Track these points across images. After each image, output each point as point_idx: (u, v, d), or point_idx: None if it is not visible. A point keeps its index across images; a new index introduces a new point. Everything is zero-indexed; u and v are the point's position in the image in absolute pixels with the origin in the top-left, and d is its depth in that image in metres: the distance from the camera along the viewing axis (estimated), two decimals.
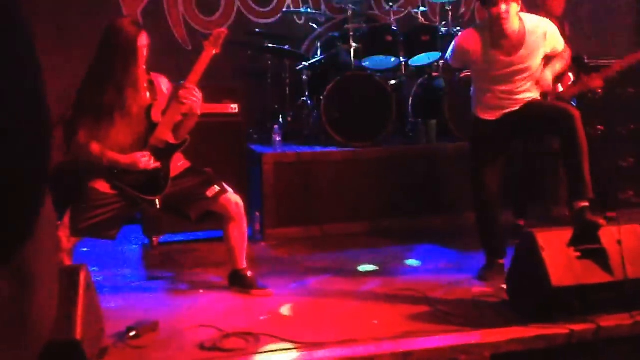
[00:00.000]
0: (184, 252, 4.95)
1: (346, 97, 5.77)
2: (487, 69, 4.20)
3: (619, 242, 3.58)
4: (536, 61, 4.19)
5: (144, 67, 3.78)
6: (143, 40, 3.73)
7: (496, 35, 4.14)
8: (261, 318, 3.68)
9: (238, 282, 4.05)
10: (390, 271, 4.54)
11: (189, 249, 5.03)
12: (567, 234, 3.63)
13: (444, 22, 6.48)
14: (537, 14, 4.38)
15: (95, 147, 3.67)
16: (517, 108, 4.22)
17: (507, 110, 4.23)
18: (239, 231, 3.97)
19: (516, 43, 4.14)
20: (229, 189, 3.94)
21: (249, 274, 4.05)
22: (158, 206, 3.83)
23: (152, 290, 4.20)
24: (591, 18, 7.39)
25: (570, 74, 4.96)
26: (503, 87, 4.20)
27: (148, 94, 3.81)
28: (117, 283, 4.28)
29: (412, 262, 4.78)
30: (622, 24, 7.74)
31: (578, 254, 3.57)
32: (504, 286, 3.88)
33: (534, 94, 4.27)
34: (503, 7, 4.00)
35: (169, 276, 4.46)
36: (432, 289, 4.10)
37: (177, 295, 4.11)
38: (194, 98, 3.74)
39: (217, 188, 3.88)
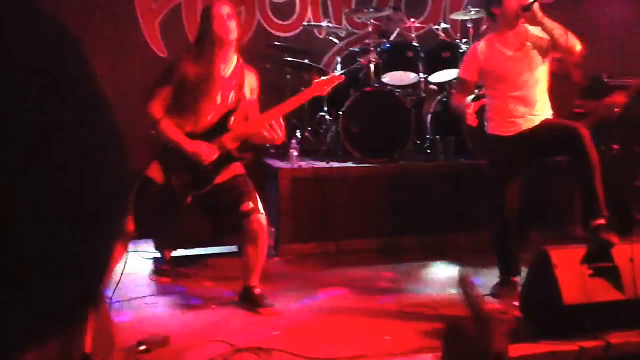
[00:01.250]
0: (196, 267, 4.97)
1: (365, 113, 5.79)
2: (495, 67, 4.23)
3: (632, 261, 3.57)
4: (542, 59, 4.21)
5: (234, 44, 3.83)
6: (221, 9, 3.77)
7: (502, 31, 4.24)
8: (274, 334, 3.68)
9: (246, 299, 4.06)
10: (404, 288, 4.55)
11: (201, 264, 5.04)
12: (580, 251, 3.63)
13: (465, 40, 6.48)
14: None
15: (166, 124, 3.71)
16: (531, 126, 4.22)
17: (523, 128, 4.22)
18: (259, 252, 3.97)
19: (521, 37, 4.21)
20: (261, 208, 3.95)
21: (257, 292, 4.04)
22: (187, 201, 3.85)
23: (164, 304, 4.22)
24: (610, 36, 7.36)
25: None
26: (515, 94, 4.21)
27: (232, 95, 3.85)
28: (129, 297, 4.29)
29: (426, 279, 4.78)
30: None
31: (591, 272, 3.55)
32: (517, 303, 3.86)
33: (547, 113, 4.27)
34: None
35: (181, 291, 4.48)
36: (445, 305, 4.08)
37: (189, 310, 4.12)
38: (279, 134, 3.79)
39: (251, 205, 3.89)
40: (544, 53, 4.21)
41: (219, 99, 3.81)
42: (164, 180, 3.77)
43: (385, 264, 5.10)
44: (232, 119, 3.86)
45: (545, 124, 4.23)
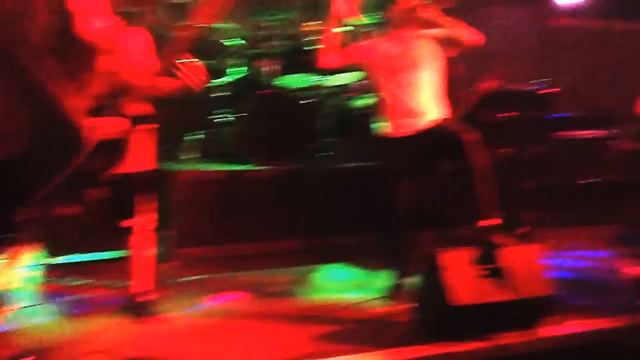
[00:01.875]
0: (80, 274, 4.76)
1: (265, 115, 5.78)
2: (384, 64, 4.28)
3: (517, 262, 3.69)
4: (432, 59, 4.29)
5: None
6: None
7: (391, 31, 4.31)
8: (163, 342, 3.59)
9: (131, 306, 3.95)
10: (298, 291, 4.55)
11: (85, 271, 4.82)
12: (470, 253, 3.71)
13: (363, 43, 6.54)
14: None
15: None
16: (421, 128, 4.28)
17: (413, 129, 4.28)
18: (144, 256, 3.90)
19: (410, 37, 4.29)
20: (150, 215, 3.86)
21: (142, 298, 3.94)
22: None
23: (47, 313, 4.05)
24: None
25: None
26: (405, 94, 4.27)
27: None
28: (11, 305, 4.04)
29: (321, 282, 4.79)
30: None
31: (479, 273, 3.65)
32: (410, 305, 3.93)
33: (438, 113, 4.35)
34: None
35: (64, 299, 4.30)
36: (339, 308, 4.12)
37: (73, 319, 3.95)
38: None
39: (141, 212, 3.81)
40: (433, 53, 4.29)
41: None
42: None
43: (282, 267, 5.08)
44: None
45: (432, 128, 4.30)
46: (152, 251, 3.93)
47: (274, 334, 3.73)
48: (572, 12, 8.19)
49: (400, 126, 4.31)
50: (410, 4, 4.16)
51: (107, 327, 3.81)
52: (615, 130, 6.96)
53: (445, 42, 4.26)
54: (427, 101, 4.31)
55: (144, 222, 3.84)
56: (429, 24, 4.25)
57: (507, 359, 3.57)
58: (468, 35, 4.21)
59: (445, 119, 4.40)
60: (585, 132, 6.82)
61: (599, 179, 6.53)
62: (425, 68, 4.30)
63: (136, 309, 3.94)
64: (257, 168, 5.67)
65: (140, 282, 3.93)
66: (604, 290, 4.57)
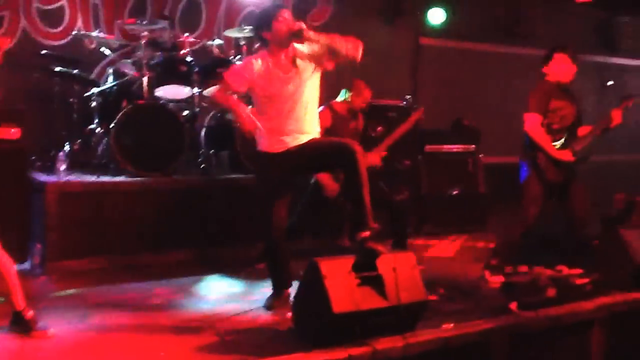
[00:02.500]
0: None
1: (138, 126, 5.68)
2: (268, 88, 4.25)
3: (394, 269, 3.82)
4: (312, 77, 4.34)
5: None
6: None
7: (274, 52, 4.25)
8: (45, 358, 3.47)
9: (17, 323, 3.79)
10: (178, 303, 4.49)
11: None
12: (348, 262, 3.80)
13: (238, 56, 6.58)
14: None
15: None
16: (299, 144, 4.31)
17: (290, 145, 4.30)
18: (6, 273, 3.73)
19: (292, 57, 4.27)
20: None
21: (28, 314, 3.79)
22: None
23: None
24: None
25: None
26: (286, 113, 4.28)
27: None
28: None
29: (200, 294, 4.76)
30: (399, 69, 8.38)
31: (358, 280, 3.75)
32: (290, 314, 3.97)
33: (316, 131, 4.41)
34: (287, 14, 4.19)
35: None
36: (220, 319, 4.10)
37: None
38: None
39: None
40: (314, 70, 4.34)
41: None
42: None
43: (159, 279, 5.00)
44: None
45: (313, 142, 4.34)
46: (11, 265, 3.76)
47: (155, 346, 3.66)
48: (441, 32, 8.60)
49: (279, 142, 4.32)
50: (293, 28, 4.19)
51: None
52: (474, 145, 7.37)
53: (324, 56, 4.30)
54: (304, 122, 4.35)
55: None
56: (313, 44, 4.29)
57: None
58: (348, 46, 4.27)
59: (321, 135, 4.49)
60: (451, 146, 7.18)
61: (464, 191, 6.88)
62: (304, 93, 4.31)
63: (18, 326, 3.78)
64: (130, 179, 5.55)
65: (16, 298, 3.77)
66: (474, 295, 4.81)
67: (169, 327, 3.98)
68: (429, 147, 7.10)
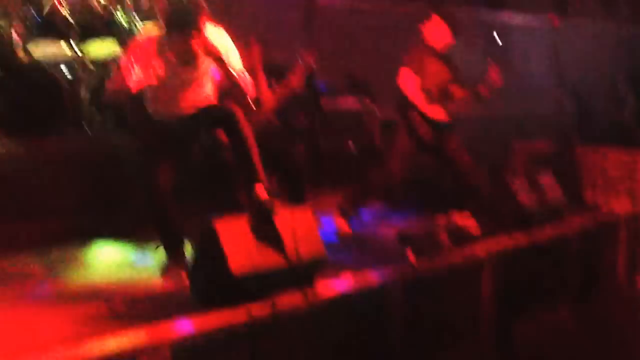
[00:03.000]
0: None
1: (10, 89, 5.25)
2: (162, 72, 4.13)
3: (292, 227, 3.72)
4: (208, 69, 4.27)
5: None
6: None
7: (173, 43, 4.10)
8: None
9: None
10: (62, 274, 4.22)
11: None
12: (245, 220, 3.68)
13: (119, 7, 6.19)
14: None
15: None
16: (188, 110, 4.26)
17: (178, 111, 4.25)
18: None
19: (193, 52, 4.14)
20: None
21: None
22: None
23: None
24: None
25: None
26: (175, 89, 4.21)
27: None
28: None
29: (84, 263, 4.51)
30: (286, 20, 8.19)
31: (256, 239, 3.62)
32: (186, 277, 3.81)
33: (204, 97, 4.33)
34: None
35: None
36: (109, 289, 3.88)
37: None
38: None
39: None
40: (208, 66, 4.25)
41: None
42: None
43: (38, 250, 4.63)
44: None
45: (200, 109, 4.29)
46: None
47: (35, 320, 3.42)
48: None
49: (163, 112, 4.22)
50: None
51: None
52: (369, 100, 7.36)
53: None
54: (195, 96, 4.28)
55: None
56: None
57: (286, 320, 3.59)
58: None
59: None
60: (346, 101, 7.12)
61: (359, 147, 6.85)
62: (199, 77, 4.25)
63: None
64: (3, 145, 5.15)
65: None
66: (371, 247, 4.82)
67: (55, 300, 3.73)
68: (325, 105, 7.01)
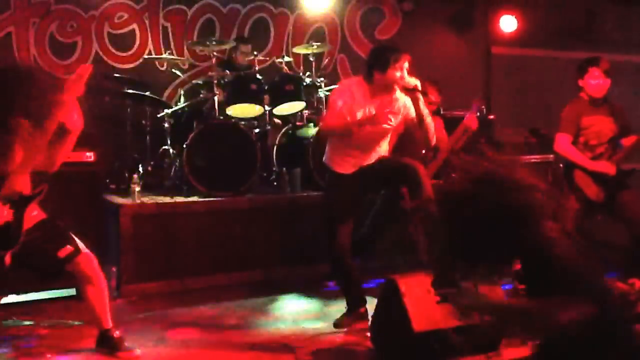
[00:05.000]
0: (27, 314, 4.55)
1: (210, 146, 5.67)
2: (354, 117, 4.19)
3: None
4: (397, 124, 4.35)
5: None
6: None
7: (374, 90, 4.21)
8: None
9: (105, 343, 3.80)
10: (253, 323, 4.43)
11: (33, 311, 4.62)
12: (426, 279, 3.66)
13: (307, 73, 6.54)
14: None
15: None
16: (371, 162, 4.32)
17: (363, 164, 4.31)
18: (98, 290, 3.74)
19: (390, 103, 4.26)
20: (83, 248, 3.67)
21: (115, 334, 3.80)
22: (7, 263, 3.53)
23: None
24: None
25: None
26: (361, 143, 4.26)
27: None
28: None
29: (275, 314, 4.69)
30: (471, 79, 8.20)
31: (438, 298, 3.60)
32: (368, 334, 3.85)
33: (385, 150, 4.42)
34: (398, 74, 4.12)
35: (10, 342, 4.08)
36: (297, 339, 4.03)
37: None
38: (71, 113, 3.37)
39: (70, 248, 3.60)
40: (401, 120, 4.34)
41: None
42: None
43: (233, 300, 4.95)
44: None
45: (380, 161, 4.34)
46: (103, 283, 3.76)
47: None
48: (513, 41, 8.38)
49: (347, 165, 4.32)
50: (408, 85, 4.17)
51: None
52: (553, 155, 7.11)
53: (412, 121, 4.35)
54: (378, 148, 4.37)
55: (81, 257, 3.66)
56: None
57: None
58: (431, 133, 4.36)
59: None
60: (529, 156, 6.93)
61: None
62: (391, 130, 4.35)
63: (106, 346, 3.79)
64: (203, 200, 5.54)
65: (104, 317, 3.78)
66: None
67: (247, 347, 3.94)
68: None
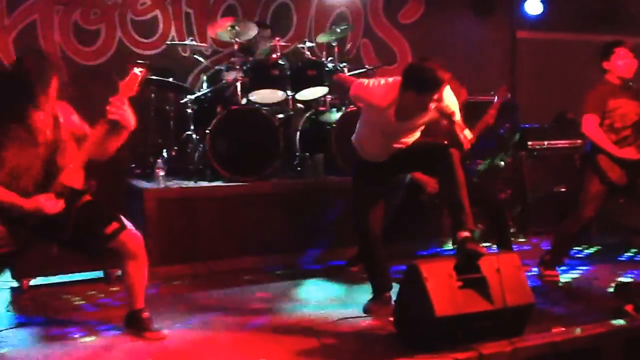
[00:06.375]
0: (57, 296, 4.69)
1: (233, 131, 5.70)
2: (383, 123, 4.17)
3: (498, 271, 3.66)
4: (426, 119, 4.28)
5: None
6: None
7: (406, 103, 4.06)
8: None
9: (134, 323, 3.88)
10: (277, 307, 4.46)
11: (62, 292, 4.76)
12: (449, 264, 3.67)
13: (330, 58, 6.53)
14: None
15: None
16: (401, 147, 4.29)
17: (391, 151, 4.29)
18: (140, 269, 3.82)
19: (422, 115, 4.17)
20: (129, 225, 3.77)
21: (145, 315, 3.88)
22: (54, 252, 3.63)
23: (22, 337, 3.92)
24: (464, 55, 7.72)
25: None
26: (390, 140, 4.26)
27: (48, 135, 3.56)
28: None
29: (299, 298, 4.72)
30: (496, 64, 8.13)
31: (460, 283, 3.61)
32: (391, 318, 3.87)
33: (416, 136, 4.35)
34: (433, 106, 4.01)
35: (41, 322, 4.19)
36: (320, 323, 4.06)
37: (50, 342, 3.82)
38: (123, 111, 3.55)
39: (116, 224, 3.70)
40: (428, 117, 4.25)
41: (38, 146, 3.55)
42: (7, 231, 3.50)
43: (257, 284, 5.00)
44: (59, 156, 3.61)
45: (414, 143, 4.31)
46: (145, 261, 3.84)
47: (254, 351, 3.64)
48: (538, 24, 8.29)
49: (375, 156, 4.32)
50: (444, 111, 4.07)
51: (83, 350, 3.69)
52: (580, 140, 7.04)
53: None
54: (407, 139, 4.32)
55: (126, 233, 3.74)
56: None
57: None
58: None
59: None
60: (556, 141, 6.87)
61: (571, 188, 6.55)
62: (415, 128, 4.29)
63: (134, 325, 3.86)
64: (226, 184, 5.58)
65: (139, 297, 3.86)
66: (583, 297, 4.59)
67: (270, 331, 3.97)
68: (531, 144, 6.81)
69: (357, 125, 4.45)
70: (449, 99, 4.11)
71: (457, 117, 4.10)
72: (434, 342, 3.52)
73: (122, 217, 3.78)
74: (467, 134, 4.09)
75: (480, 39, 8.03)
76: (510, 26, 8.37)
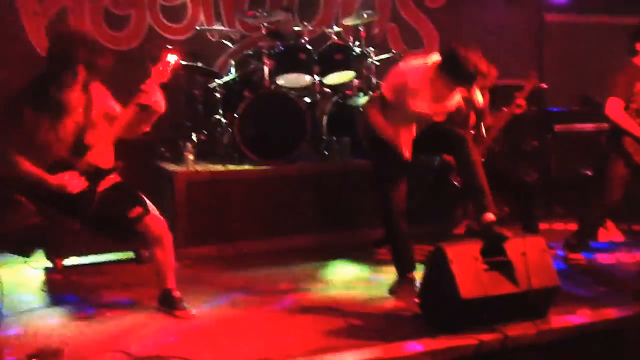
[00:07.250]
0: (90, 275, 4.80)
1: (260, 115, 5.77)
2: (414, 106, 4.18)
3: (524, 254, 3.68)
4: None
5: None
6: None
7: (439, 82, 4.12)
8: (170, 340, 3.60)
9: (165, 302, 3.98)
10: (304, 288, 4.53)
11: (95, 272, 4.88)
12: (475, 247, 3.71)
13: (357, 42, 6.55)
14: None
15: (24, 165, 3.57)
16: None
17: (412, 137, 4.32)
18: (166, 252, 3.92)
19: (451, 96, 4.24)
20: (153, 210, 3.87)
21: (176, 294, 3.98)
22: (77, 229, 3.74)
23: (56, 315, 4.03)
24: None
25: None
26: (417, 122, 4.30)
27: (81, 113, 3.70)
28: (18, 308, 4.08)
29: (325, 278, 4.78)
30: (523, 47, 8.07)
31: (485, 266, 3.64)
32: (416, 300, 3.92)
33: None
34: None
35: (74, 300, 4.29)
36: (346, 304, 4.12)
37: (83, 320, 3.93)
38: (154, 95, 3.66)
39: (139, 209, 3.79)
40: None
41: (68, 124, 3.68)
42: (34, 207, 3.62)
43: (285, 265, 5.07)
44: (88, 135, 3.71)
45: (433, 126, 4.33)
46: (171, 244, 3.94)
47: (281, 331, 3.73)
48: (567, 7, 8.21)
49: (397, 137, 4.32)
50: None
51: (114, 328, 3.80)
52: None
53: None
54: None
55: (150, 218, 3.83)
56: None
57: (515, 350, 3.57)
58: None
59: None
60: (582, 124, 6.83)
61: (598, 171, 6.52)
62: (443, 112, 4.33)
63: (166, 304, 3.97)
64: (254, 168, 5.65)
65: (169, 277, 3.96)
66: (608, 280, 4.60)
67: (296, 312, 4.04)
68: (558, 127, 6.78)
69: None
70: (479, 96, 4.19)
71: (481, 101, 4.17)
72: (459, 324, 3.58)
73: (147, 202, 3.86)
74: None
75: (508, 23, 7.95)
76: (538, 9, 8.29)
